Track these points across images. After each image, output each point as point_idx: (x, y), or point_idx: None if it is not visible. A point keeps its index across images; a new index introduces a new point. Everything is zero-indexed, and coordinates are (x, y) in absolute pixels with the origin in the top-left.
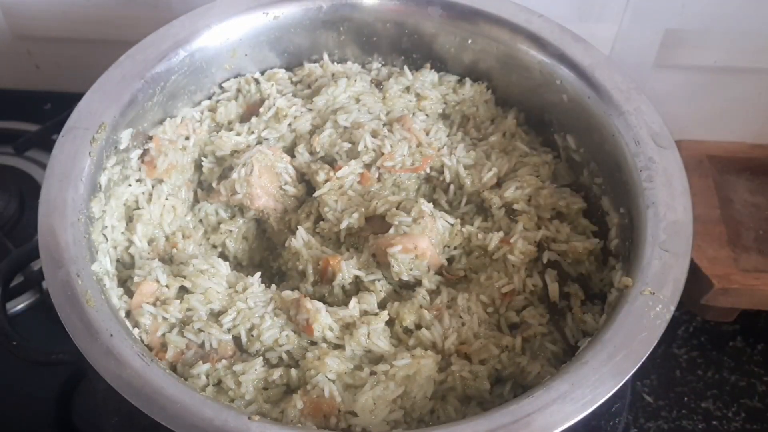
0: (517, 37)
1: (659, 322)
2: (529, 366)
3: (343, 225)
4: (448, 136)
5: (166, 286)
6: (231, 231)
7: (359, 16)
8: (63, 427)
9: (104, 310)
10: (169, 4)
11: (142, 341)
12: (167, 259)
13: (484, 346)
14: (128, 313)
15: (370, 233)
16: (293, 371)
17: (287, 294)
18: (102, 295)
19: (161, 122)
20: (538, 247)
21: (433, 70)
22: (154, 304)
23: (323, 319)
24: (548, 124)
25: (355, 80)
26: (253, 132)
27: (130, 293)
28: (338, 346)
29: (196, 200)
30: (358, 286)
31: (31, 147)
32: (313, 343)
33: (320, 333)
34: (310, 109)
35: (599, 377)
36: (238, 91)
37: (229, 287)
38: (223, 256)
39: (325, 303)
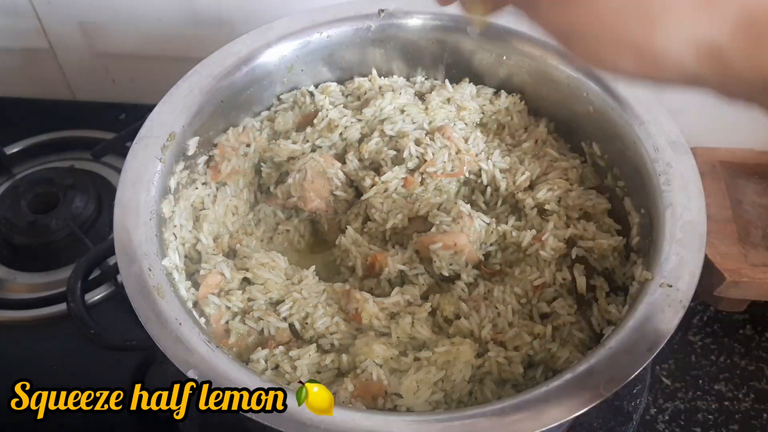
0: (548, 54)
1: (676, 312)
2: (559, 352)
3: (389, 225)
4: (485, 143)
5: (230, 277)
6: (288, 230)
7: (404, 35)
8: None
9: (173, 301)
10: (233, 24)
11: (208, 328)
12: (230, 255)
13: (517, 334)
14: (195, 304)
15: (413, 232)
16: (344, 356)
17: (338, 286)
18: (171, 287)
19: (225, 131)
20: (567, 243)
21: (471, 84)
22: (219, 295)
23: (371, 308)
24: (576, 132)
25: (401, 93)
26: (307, 140)
27: (196, 286)
28: (384, 334)
29: (256, 201)
30: (402, 280)
31: (108, 153)
32: (362, 331)
33: (368, 321)
34: (360, 120)
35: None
36: (295, 102)
37: (287, 279)
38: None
39: (372, 295)
